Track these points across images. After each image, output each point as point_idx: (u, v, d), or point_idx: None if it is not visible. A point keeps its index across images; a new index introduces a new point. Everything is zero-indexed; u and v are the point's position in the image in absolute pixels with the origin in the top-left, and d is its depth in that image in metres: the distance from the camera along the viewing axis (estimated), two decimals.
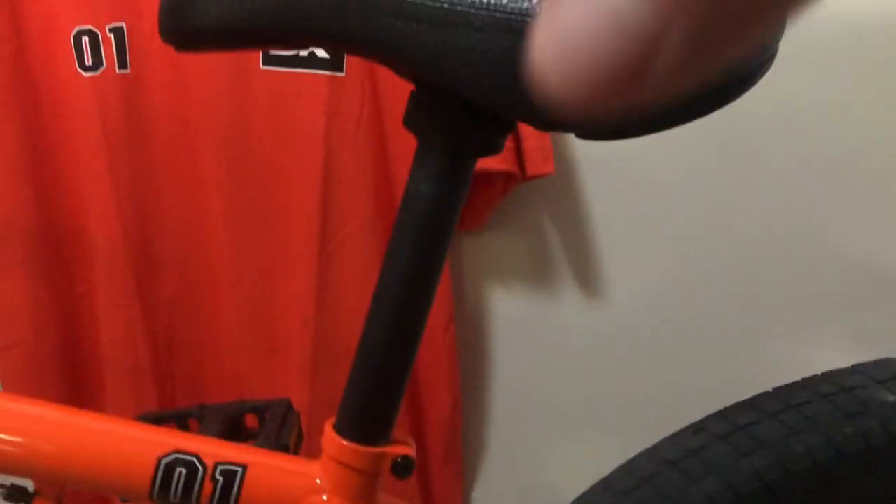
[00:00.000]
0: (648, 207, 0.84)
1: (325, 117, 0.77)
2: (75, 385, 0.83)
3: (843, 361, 0.50)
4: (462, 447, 0.88)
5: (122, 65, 0.77)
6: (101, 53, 0.76)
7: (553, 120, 0.35)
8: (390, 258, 0.42)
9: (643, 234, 0.85)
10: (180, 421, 0.69)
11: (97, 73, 0.76)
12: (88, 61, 0.76)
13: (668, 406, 0.88)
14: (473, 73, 0.35)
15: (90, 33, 0.76)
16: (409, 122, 0.41)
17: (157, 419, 0.68)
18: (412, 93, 0.41)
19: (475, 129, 0.40)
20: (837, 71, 0.78)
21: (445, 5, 0.35)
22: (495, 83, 0.35)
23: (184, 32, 0.39)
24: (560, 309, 0.87)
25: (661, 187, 0.84)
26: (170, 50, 0.77)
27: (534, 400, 0.90)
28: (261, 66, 0.77)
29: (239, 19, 0.37)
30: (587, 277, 0.87)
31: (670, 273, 0.86)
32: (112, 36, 0.76)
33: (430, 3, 0.35)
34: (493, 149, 0.41)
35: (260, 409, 0.68)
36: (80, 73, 0.76)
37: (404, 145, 0.70)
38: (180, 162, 0.80)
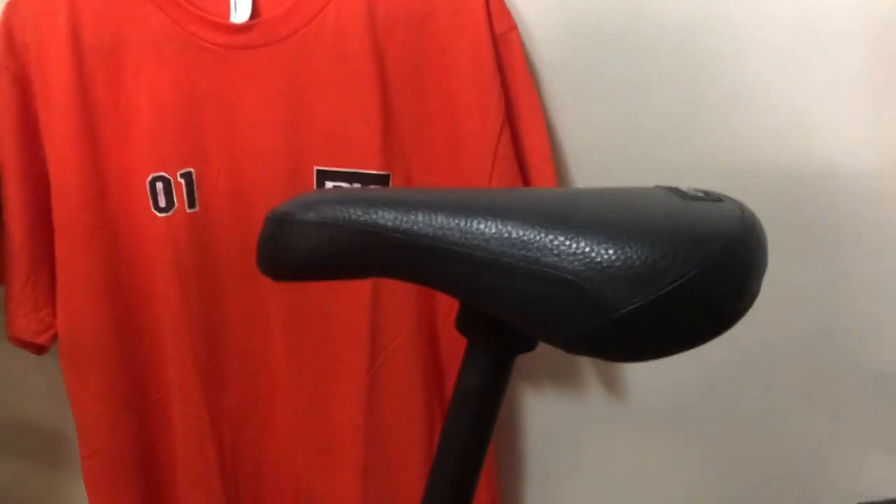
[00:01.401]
0: None
1: None
2: (152, 487, 0.92)
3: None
4: None
5: (192, 204, 0.86)
6: (172, 196, 0.86)
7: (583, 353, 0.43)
8: (445, 442, 0.50)
9: None
10: None
11: (169, 214, 0.86)
12: (162, 203, 0.86)
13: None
14: (511, 308, 0.44)
15: (163, 179, 0.85)
16: (460, 327, 0.50)
17: None
18: (461, 306, 0.49)
19: (515, 337, 0.48)
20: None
21: (490, 256, 0.43)
22: (529, 318, 0.43)
23: (279, 270, 0.48)
24: (591, 406, 0.95)
25: None
26: (233, 190, 0.87)
27: (570, 495, 0.98)
28: None
29: (324, 263, 0.46)
30: (615, 376, 0.95)
31: (697, 370, 0.93)
32: (182, 181, 0.85)
33: (475, 254, 0.44)
34: (531, 347, 0.50)
35: None
36: (154, 214, 0.86)
37: None
38: (244, 287, 0.89)
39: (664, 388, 0.94)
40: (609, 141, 0.89)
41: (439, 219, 0.45)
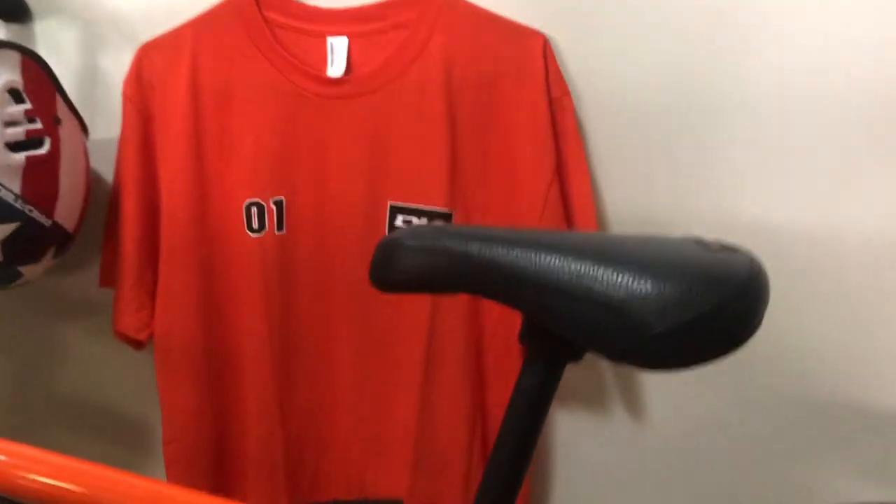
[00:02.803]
0: None
1: None
2: (224, 472, 1.05)
3: None
4: None
5: (280, 227, 1.00)
6: (265, 219, 0.99)
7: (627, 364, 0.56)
8: (504, 432, 0.62)
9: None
10: None
11: (261, 235, 0.99)
12: (255, 225, 0.99)
13: None
14: (568, 323, 0.56)
15: (257, 205, 0.99)
16: (522, 340, 0.62)
17: None
18: (524, 320, 0.62)
19: (567, 347, 0.61)
20: None
21: (553, 282, 0.56)
22: (582, 332, 0.56)
23: (388, 283, 0.61)
24: (612, 431, 1.07)
25: None
26: (317, 218, 1.00)
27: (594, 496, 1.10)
28: (385, 231, 1.00)
29: (423, 279, 0.59)
30: (635, 404, 1.06)
31: (709, 404, 1.04)
32: (274, 207, 0.99)
33: (541, 280, 0.56)
34: (580, 357, 0.62)
35: None
36: (247, 234, 0.99)
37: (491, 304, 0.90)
38: (318, 303, 1.02)
39: (680, 417, 1.06)
40: (642, 193, 1.02)
41: (515, 251, 0.58)
